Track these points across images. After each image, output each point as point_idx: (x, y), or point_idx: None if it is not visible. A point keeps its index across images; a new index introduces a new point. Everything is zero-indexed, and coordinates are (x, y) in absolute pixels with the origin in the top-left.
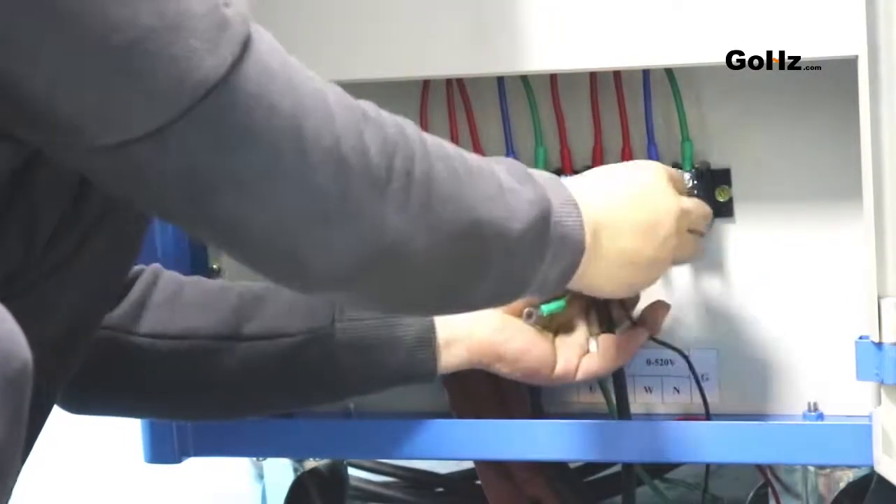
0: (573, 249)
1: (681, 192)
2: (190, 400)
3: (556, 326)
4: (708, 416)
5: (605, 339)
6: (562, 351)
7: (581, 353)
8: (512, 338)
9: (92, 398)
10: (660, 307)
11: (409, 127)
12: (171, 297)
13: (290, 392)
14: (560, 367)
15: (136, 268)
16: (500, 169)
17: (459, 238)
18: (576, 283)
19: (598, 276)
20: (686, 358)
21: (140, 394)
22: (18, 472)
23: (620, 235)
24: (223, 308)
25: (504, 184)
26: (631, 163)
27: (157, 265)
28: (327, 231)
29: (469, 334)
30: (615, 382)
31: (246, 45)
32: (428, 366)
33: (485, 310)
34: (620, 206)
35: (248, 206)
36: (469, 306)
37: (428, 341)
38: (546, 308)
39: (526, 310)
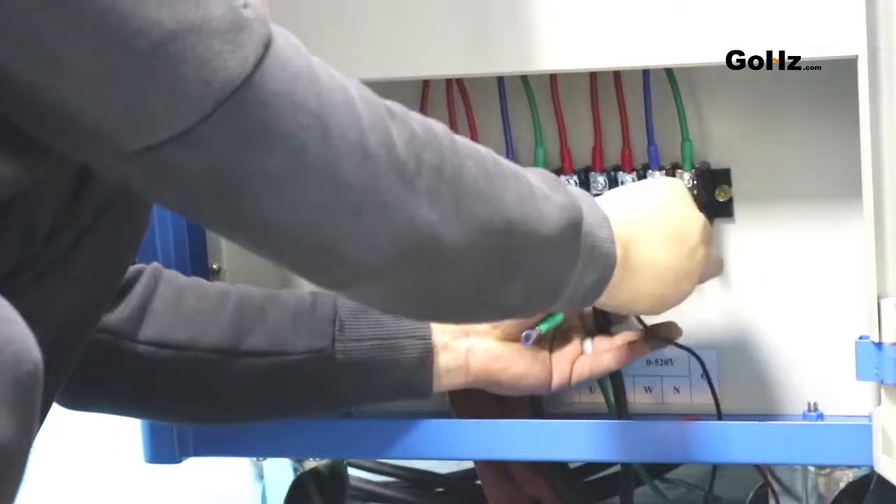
0: (604, 262)
1: None
2: (186, 408)
3: (552, 337)
4: (720, 416)
5: (600, 340)
6: (556, 363)
7: (573, 358)
8: (509, 366)
9: (90, 398)
10: (672, 329)
11: (438, 126)
12: (172, 305)
13: (286, 405)
14: (555, 381)
15: (136, 267)
16: (531, 174)
17: (491, 235)
18: (609, 301)
19: (630, 290)
20: (698, 358)
21: (138, 399)
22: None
23: (651, 247)
24: (223, 319)
25: (535, 187)
26: (650, 179)
27: (156, 265)
28: (359, 224)
29: (466, 361)
30: (613, 383)
31: (267, 44)
32: (424, 388)
33: (520, 318)
34: (649, 219)
35: (278, 204)
36: (503, 310)
37: (426, 365)
38: (544, 326)
39: (524, 333)
